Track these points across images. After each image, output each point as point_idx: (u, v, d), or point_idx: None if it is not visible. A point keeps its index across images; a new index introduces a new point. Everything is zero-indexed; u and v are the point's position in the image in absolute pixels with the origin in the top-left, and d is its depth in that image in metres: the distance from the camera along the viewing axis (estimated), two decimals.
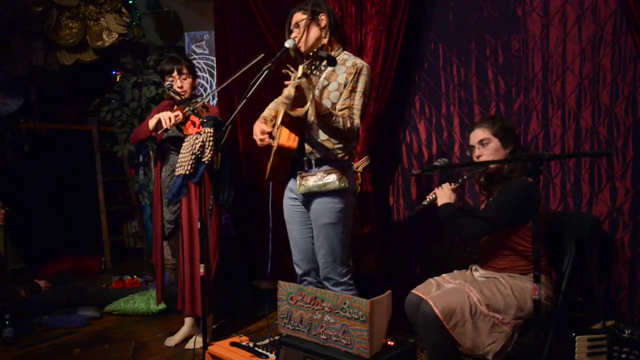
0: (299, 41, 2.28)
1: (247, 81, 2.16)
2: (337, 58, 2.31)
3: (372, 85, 2.34)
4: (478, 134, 2.14)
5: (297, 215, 2.40)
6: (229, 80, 2.61)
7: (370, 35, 3.04)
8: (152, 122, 2.78)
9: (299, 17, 2.32)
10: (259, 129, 2.27)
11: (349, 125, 2.17)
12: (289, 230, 2.46)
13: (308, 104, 1.95)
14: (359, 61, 2.29)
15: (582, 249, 2.16)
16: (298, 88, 1.95)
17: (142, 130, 2.86)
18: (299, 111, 2.02)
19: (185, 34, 4.72)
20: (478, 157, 2.14)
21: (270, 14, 3.53)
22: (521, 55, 2.74)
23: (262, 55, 2.30)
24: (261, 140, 2.25)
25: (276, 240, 2.61)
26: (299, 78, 1.92)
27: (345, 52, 2.39)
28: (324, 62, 1.97)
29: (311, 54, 2.29)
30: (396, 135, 3.25)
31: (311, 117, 1.99)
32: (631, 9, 2.24)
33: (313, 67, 1.94)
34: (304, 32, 2.28)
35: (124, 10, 4.52)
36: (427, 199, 2.24)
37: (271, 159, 2.22)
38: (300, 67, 1.93)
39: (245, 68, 2.36)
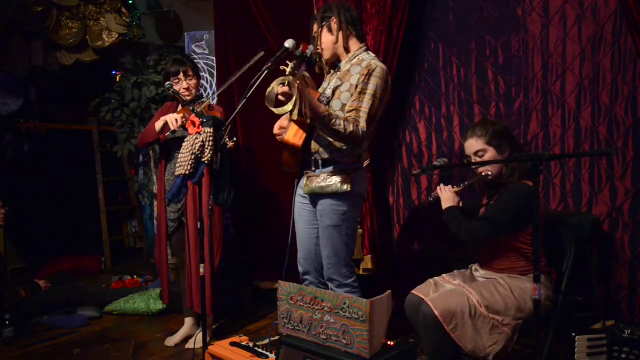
0: (321, 52, 2.32)
1: (247, 81, 2.16)
2: (356, 57, 2.28)
3: (386, 88, 2.21)
4: (472, 145, 2.11)
5: (305, 214, 2.40)
6: (230, 82, 2.62)
7: (370, 35, 3.04)
8: (158, 125, 2.80)
9: (314, 29, 2.34)
10: (279, 124, 2.33)
11: (351, 128, 2.10)
12: (296, 228, 2.45)
13: (292, 101, 1.96)
14: (374, 62, 2.19)
15: (582, 249, 2.16)
16: (288, 85, 1.97)
17: (149, 133, 2.87)
18: (283, 109, 2.02)
19: (185, 34, 4.71)
20: (476, 168, 2.13)
21: (270, 14, 3.53)
22: (521, 55, 2.73)
23: (262, 53, 2.30)
24: (277, 135, 2.32)
25: (276, 241, 2.61)
26: (287, 75, 1.95)
27: (368, 52, 2.31)
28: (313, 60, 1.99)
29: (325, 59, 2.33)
30: (396, 135, 3.25)
31: (295, 116, 2.02)
32: (631, 9, 2.24)
33: (294, 67, 1.96)
34: (317, 42, 2.30)
35: (124, 10, 4.51)
36: (433, 196, 2.23)
37: (283, 153, 2.28)
38: (290, 65, 1.96)
39: (246, 68, 2.36)
